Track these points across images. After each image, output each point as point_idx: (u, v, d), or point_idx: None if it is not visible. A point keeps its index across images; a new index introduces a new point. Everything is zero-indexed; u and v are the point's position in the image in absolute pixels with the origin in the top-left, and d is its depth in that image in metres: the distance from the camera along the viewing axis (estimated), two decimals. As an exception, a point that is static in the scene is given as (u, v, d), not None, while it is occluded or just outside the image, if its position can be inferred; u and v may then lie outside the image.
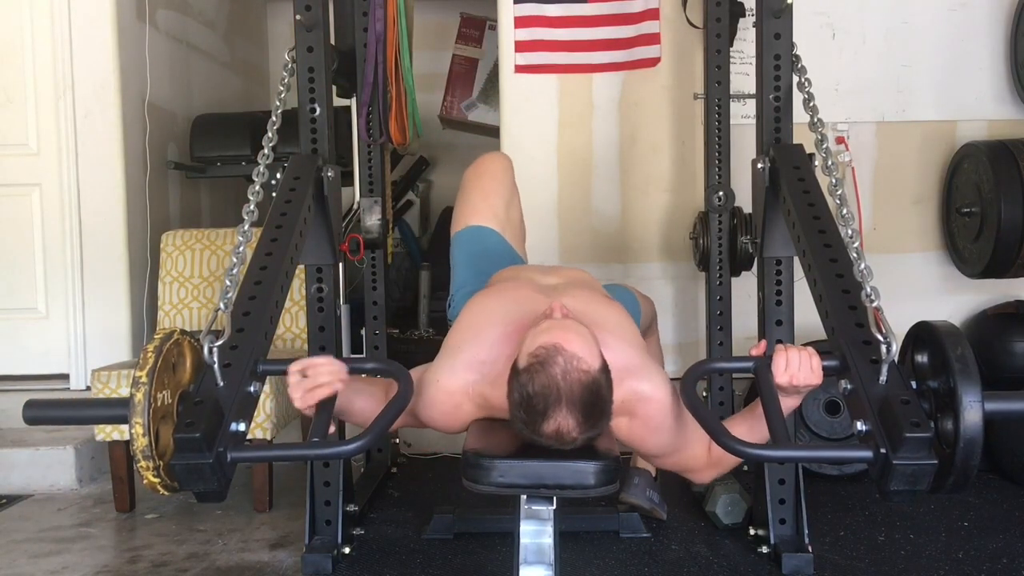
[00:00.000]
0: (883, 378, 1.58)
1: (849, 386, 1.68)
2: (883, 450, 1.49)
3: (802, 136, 2.40)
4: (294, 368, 1.63)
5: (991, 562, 2.41)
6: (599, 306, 1.97)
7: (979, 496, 2.96)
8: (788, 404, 1.75)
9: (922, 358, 1.67)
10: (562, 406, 1.61)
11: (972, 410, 1.46)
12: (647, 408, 1.82)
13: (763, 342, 1.79)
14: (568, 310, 1.81)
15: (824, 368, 1.71)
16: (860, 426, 1.59)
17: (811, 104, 2.32)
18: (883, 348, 1.60)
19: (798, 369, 1.69)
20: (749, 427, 1.82)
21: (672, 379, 1.90)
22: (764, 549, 2.46)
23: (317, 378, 1.61)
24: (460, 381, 1.83)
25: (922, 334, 1.69)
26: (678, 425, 1.85)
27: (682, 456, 1.92)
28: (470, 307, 2.02)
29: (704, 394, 3.18)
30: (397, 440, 3.47)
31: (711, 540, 2.60)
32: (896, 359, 1.61)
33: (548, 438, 1.65)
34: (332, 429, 1.62)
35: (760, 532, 2.51)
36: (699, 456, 1.91)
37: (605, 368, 1.68)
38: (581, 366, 1.63)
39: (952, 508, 2.84)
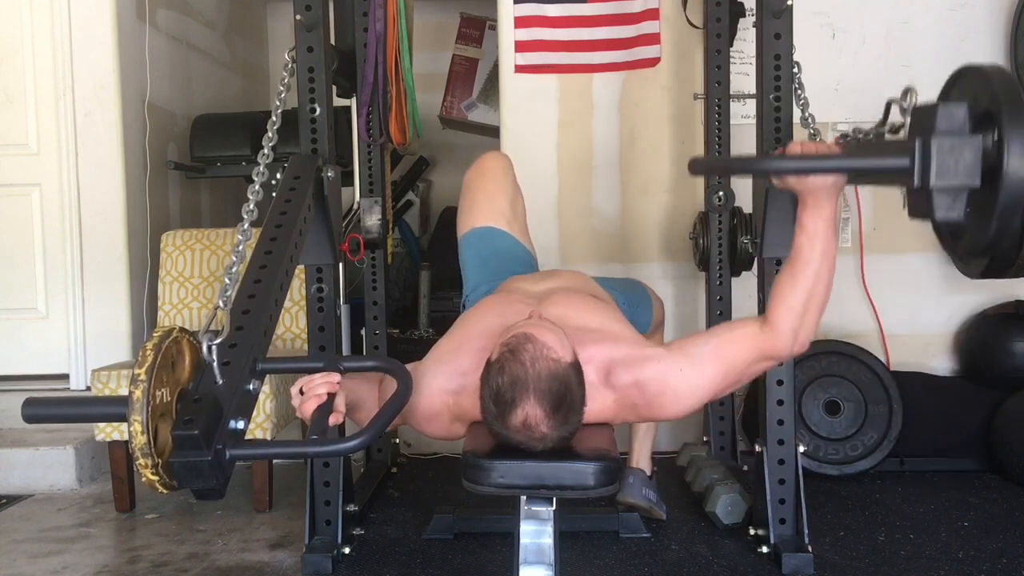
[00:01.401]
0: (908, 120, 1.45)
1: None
2: (918, 142, 1.34)
3: (803, 136, 2.40)
4: (294, 389, 1.67)
5: (991, 562, 2.41)
6: (581, 309, 1.96)
7: (979, 496, 2.96)
8: (818, 216, 1.68)
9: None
10: (529, 394, 1.61)
11: (1016, 116, 1.27)
12: (644, 390, 1.78)
13: (780, 148, 1.79)
14: (545, 318, 1.82)
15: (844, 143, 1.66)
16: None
17: (807, 113, 2.35)
18: (903, 102, 1.48)
19: (814, 149, 1.64)
20: (790, 268, 1.78)
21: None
22: (764, 549, 2.45)
23: (313, 389, 1.62)
24: (438, 391, 1.84)
25: (955, 78, 1.50)
26: (688, 373, 1.77)
27: (734, 370, 1.79)
28: (460, 320, 2.05)
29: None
30: (397, 440, 3.47)
31: (711, 540, 2.60)
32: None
33: (517, 430, 1.64)
34: (338, 420, 1.63)
35: (760, 532, 2.50)
36: (745, 349, 1.78)
37: (576, 365, 1.69)
38: (551, 355, 1.64)
39: (952, 508, 2.84)
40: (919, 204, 1.38)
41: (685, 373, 1.77)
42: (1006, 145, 1.25)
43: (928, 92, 3.55)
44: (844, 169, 1.72)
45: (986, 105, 1.31)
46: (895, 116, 1.63)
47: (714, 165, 1.52)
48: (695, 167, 1.53)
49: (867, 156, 1.58)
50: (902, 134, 1.43)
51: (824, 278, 1.74)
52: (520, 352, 1.64)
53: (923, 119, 1.36)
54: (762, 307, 2.54)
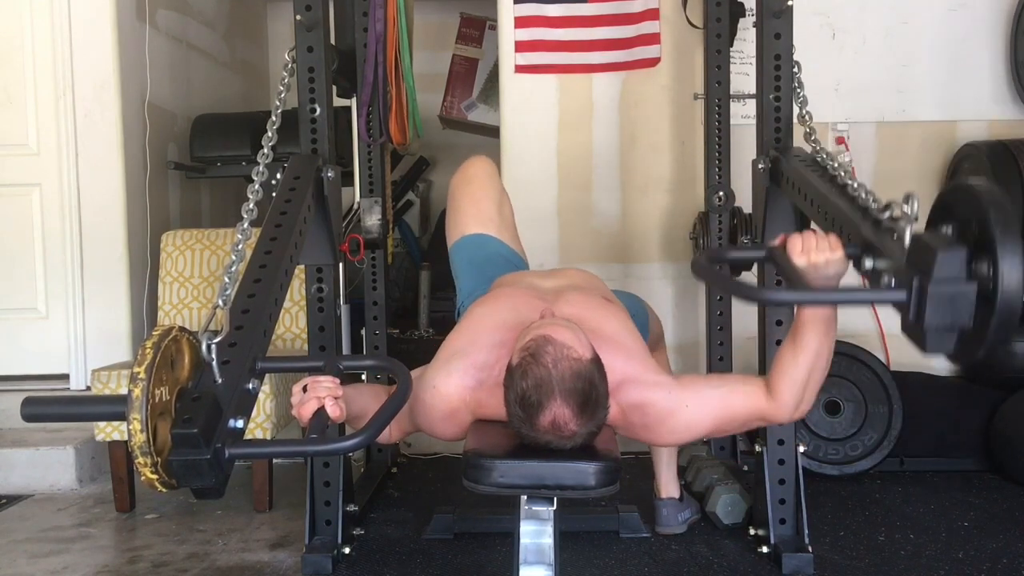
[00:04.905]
0: (907, 243, 1.45)
1: (873, 263, 1.56)
2: (916, 282, 1.36)
3: (802, 139, 2.40)
4: (296, 387, 1.65)
5: (991, 562, 2.41)
6: (596, 311, 1.96)
7: (979, 496, 2.96)
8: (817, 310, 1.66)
9: (949, 230, 1.46)
10: (556, 395, 1.62)
11: (1009, 242, 1.28)
12: (644, 415, 1.80)
13: (782, 235, 1.71)
14: (560, 317, 1.81)
15: (846, 255, 1.62)
16: (887, 279, 1.47)
17: (804, 111, 2.36)
18: (904, 209, 1.47)
19: (815, 246, 1.61)
20: (792, 345, 1.77)
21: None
22: (764, 549, 2.46)
23: (316, 391, 1.61)
24: (456, 386, 1.82)
25: (946, 199, 1.48)
26: (690, 411, 1.79)
27: (732, 420, 1.83)
28: (469, 314, 2.02)
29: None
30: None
31: (711, 540, 2.60)
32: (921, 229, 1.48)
33: (546, 431, 1.64)
34: (339, 414, 1.61)
35: (760, 532, 2.51)
36: (748, 407, 1.80)
37: (597, 360, 1.69)
38: (571, 354, 1.64)
39: (952, 508, 2.84)
40: (911, 330, 1.43)
41: (690, 410, 1.80)
42: (1000, 278, 1.29)
43: (927, 93, 3.57)
44: (842, 302, 1.80)
45: (980, 233, 1.34)
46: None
47: (716, 282, 1.55)
48: (698, 271, 1.57)
49: (863, 291, 1.66)
50: (906, 243, 1.46)
51: (825, 355, 1.77)
52: (541, 355, 1.64)
53: (922, 255, 1.38)
54: (762, 307, 2.55)
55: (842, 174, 1.98)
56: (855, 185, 1.86)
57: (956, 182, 1.47)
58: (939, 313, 1.35)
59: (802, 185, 2.16)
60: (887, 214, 1.61)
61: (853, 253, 1.64)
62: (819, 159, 2.17)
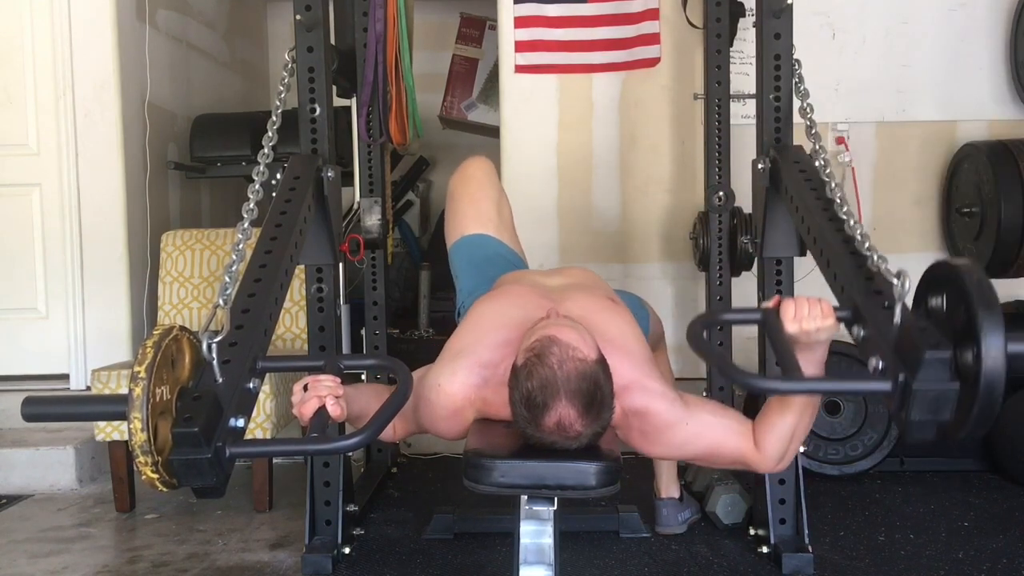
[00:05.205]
0: (897, 318, 1.51)
1: (863, 332, 1.61)
2: (902, 377, 1.42)
3: (802, 136, 2.40)
4: (297, 386, 1.65)
5: (991, 562, 2.41)
6: (600, 312, 1.95)
7: (979, 496, 2.96)
8: (809, 360, 1.68)
9: (937, 301, 1.52)
10: (561, 396, 1.61)
11: (993, 337, 1.34)
12: (644, 422, 1.80)
13: (776, 296, 1.73)
14: (564, 316, 1.81)
15: (837, 319, 1.66)
16: (875, 362, 1.51)
17: (805, 104, 2.35)
18: (895, 285, 1.52)
19: (807, 314, 1.63)
20: (780, 401, 1.79)
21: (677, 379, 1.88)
22: (764, 549, 2.46)
23: (317, 390, 1.61)
24: (461, 385, 1.81)
25: (937, 274, 1.55)
26: (688, 429, 1.81)
27: (720, 454, 1.85)
28: (473, 311, 2.02)
29: (704, 393, 3.17)
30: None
31: (711, 540, 2.60)
32: (910, 302, 1.54)
33: (551, 432, 1.64)
34: (340, 413, 1.62)
35: (760, 532, 2.51)
36: (738, 448, 1.82)
37: (602, 360, 1.68)
38: (577, 355, 1.64)
39: (952, 508, 2.84)
40: (895, 417, 1.48)
41: (689, 428, 1.81)
42: (983, 372, 1.33)
43: (927, 93, 3.57)
44: (832, 392, 1.72)
45: (967, 321, 1.39)
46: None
47: (712, 360, 1.59)
48: (695, 344, 1.60)
49: (852, 381, 1.74)
50: (896, 317, 1.53)
51: (809, 413, 1.79)
52: (546, 355, 1.64)
53: (909, 349, 1.43)
54: (761, 352, 2.55)
55: (838, 200, 1.98)
56: (852, 223, 1.88)
57: (947, 262, 1.51)
58: (922, 410, 1.41)
59: (800, 205, 2.15)
60: (881, 267, 1.67)
61: (844, 318, 1.68)
62: (819, 164, 2.17)
